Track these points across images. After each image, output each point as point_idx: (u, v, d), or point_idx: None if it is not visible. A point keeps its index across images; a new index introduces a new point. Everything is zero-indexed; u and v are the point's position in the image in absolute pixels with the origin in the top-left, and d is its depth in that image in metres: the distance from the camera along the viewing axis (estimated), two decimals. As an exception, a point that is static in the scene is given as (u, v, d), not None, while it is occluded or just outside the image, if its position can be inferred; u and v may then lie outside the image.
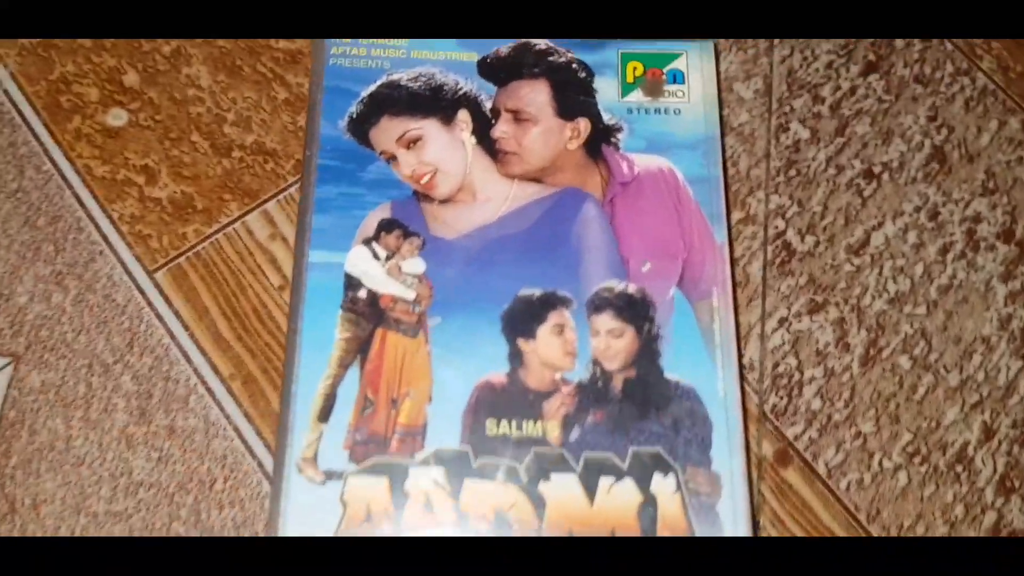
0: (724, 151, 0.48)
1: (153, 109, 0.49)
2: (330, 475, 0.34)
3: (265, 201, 0.48)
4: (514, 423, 0.34)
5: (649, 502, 0.34)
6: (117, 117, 0.49)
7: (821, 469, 0.46)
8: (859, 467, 0.46)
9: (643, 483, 0.34)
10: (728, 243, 0.37)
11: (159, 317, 0.46)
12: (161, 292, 0.47)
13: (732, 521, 0.33)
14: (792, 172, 0.51)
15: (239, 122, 0.49)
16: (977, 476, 0.46)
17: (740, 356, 0.40)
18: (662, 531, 0.33)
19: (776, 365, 0.48)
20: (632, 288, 0.36)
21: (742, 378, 0.36)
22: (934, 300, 0.49)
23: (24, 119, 0.49)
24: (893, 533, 0.45)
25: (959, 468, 0.46)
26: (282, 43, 0.51)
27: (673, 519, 0.34)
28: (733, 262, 0.44)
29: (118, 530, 0.43)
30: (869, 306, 0.48)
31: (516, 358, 0.35)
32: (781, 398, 0.47)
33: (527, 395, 0.35)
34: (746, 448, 0.35)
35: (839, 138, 0.51)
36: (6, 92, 0.50)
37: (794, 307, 0.48)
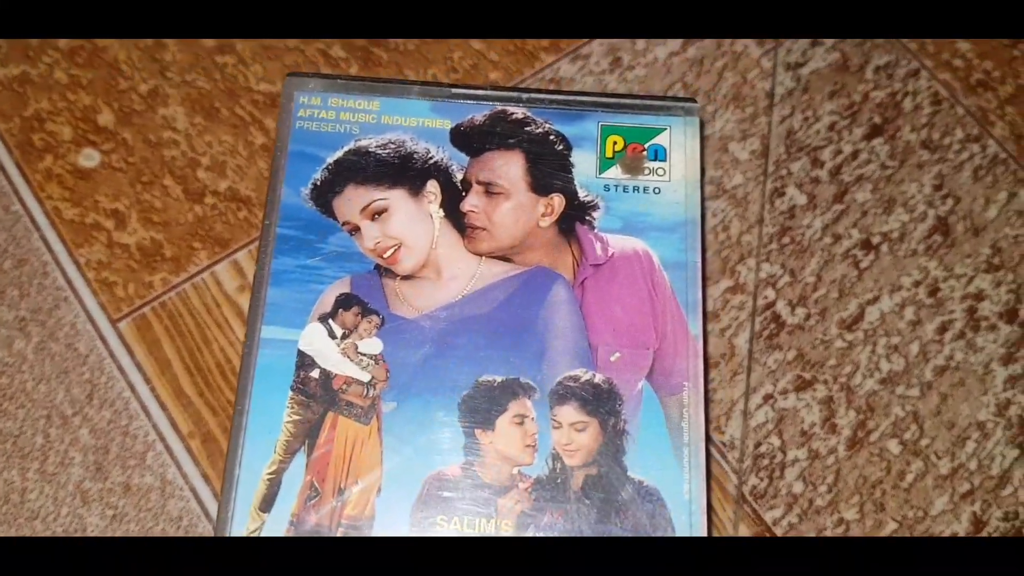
0: (704, 233, 0.46)
1: (126, 150, 0.48)
2: (269, 569, 0.32)
3: (236, 251, 0.47)
4: (466, 520, 0.33)
5: (603, 611, 0.32)
6: (89, 158, 0.48)
7: (799, 558, 0.44)
8: (839, 557, 0.44)
9: (598, 590, 0.32)
10: (703, 336, 0.35)
11: (120, 369, 0.45)
12: (124, 343, 0.46)
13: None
14: (786, 239, 0.49)
15: (214, 167, 0.48)
16: (964, 572, 0.44)
17: (708, 439, 0.38)
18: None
19: (758, 444, 0.46)
20: (599, 378, 0.35)
21: (708, 459, 0.34)
22: (928, 382, 0.47)
23: (-5, 156, 0.48)
24: (872, 630, 0.43)
25: (945, 562, 0.44)
26: (262, 85, 0.50)
27: (626, 631, 0.32)
28: (707, 355, 0.43)
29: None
30: (859, 385, 0.47)
31: (472, 450, 0.34)
32: (761, 479, 0.46)
33: (482, 490, 0.33)
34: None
35: (837, 205, 0.50)
36: (-21, 126, 0.49)
37: (780, 383, 0.47)
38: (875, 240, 0.50)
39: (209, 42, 0.51)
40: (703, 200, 0.39)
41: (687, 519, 0.34)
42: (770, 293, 0.49)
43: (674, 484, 0.34)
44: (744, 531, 0.45)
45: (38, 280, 0.47)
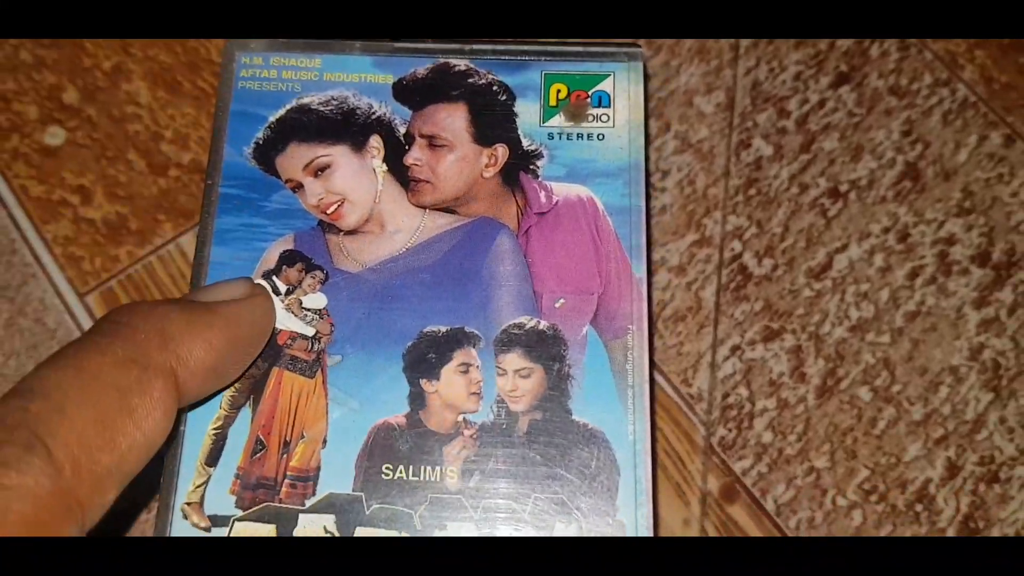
0: (649, 179, 0.46)
1: (91, 127, 0.49)
2: (215, 520, 0.33)
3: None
4: (411, 468, 0.33)
5: (548, 553, 0.32)
6: (54, 136, 0.49)
7: (770, 506, 0.44)
8: (810, 505, 0.44)
9: (544, 531, 0.32)
10: (647, 278, 0.35)
11: (88, 342, 0.45)
12: (92, 316, 0.46)
13: (633, 575, 0.32)
14: (752, 191, 0.49)
15: (176, 140, 0.49)
16: (938, 516, 0.44)
17: (652, 380, 0.38)
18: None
19: (726, 396, 0.46)
20: (543, 325, 0.35)
21: (653, 400, 0.34)
22: (899, 328, 0.47)
23: (-38, 138, 0.49)
24: None
25: (919, 507, 0.44)
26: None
27: (572, 572, 0.32)
28: (651, 297, 0.43)
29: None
30: (828, 334, 0.47)
31: (418, 399, 0.34)
32: (730, 430, 0.46)
33: (427, 438, 0.34)
34: (653, 495, 0.33)
35: (804, 155, 0.49)
36: (-53, 110, 0.50)
37: (748, 334, 0.47)
38: (843, 188, 0.49)
39: (170, 17, 0.51)
40: (647, 144, 0.39)
41: (631, 459, 0.34)
42: (736, 245, 0.48)
43: (619, 425, 0.34)
44: (713, 483, 0.45)
45: (6, 257, 0.47)
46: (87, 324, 0.47)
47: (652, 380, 0.37)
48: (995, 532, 0.44)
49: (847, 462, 0.45)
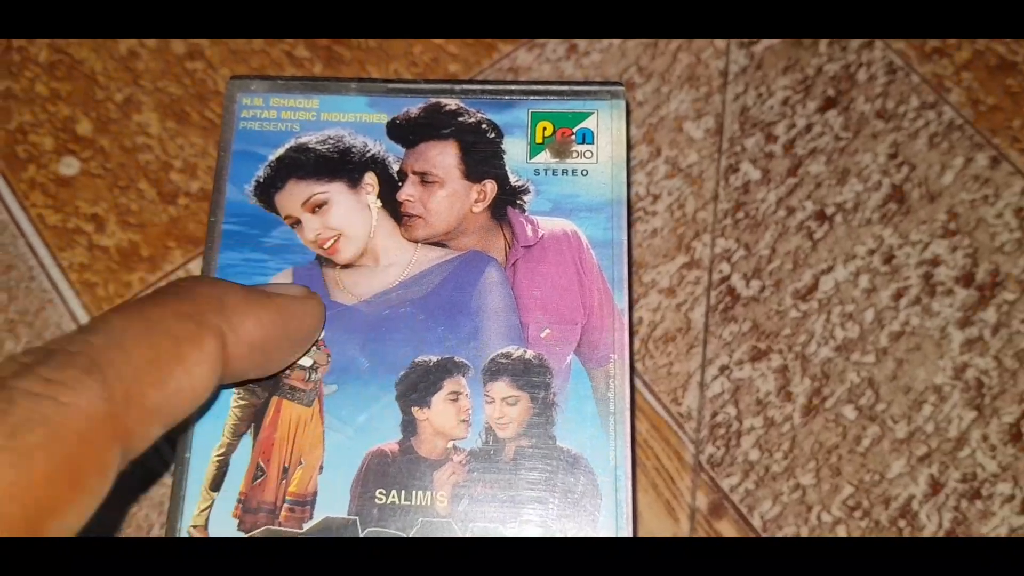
0: (631, 214, 0.48)
1: (104, 157, 0.51)
2: (219, 543, 0.35)
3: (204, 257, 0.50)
4: (403, 493, 0.36)
5: (532, 573, 0.34)
6: (69, 166, 0.51)
7: (756, 522, 0.46)
8: (796, 520, 0.46)
9: (528, 554, 0.34)
10: (628, 310, 0.37)
11: (102, 365, 0.48)
12: (105, 340, 0.48)
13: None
14: (740, 214, 0.51)
15: (186, 169, 0.51)
16: (921, 531, 0.46)
17: (633, 407, 0.40)
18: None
19: (715, 414, 0.48)
20: (530, 354, 0.37)
21: (633, 427, 0.36)
22: (884, 347, 0.48)
23: (-18, 169, 0.52)
24: (826, 591, 0.45)
25: (902, 523, 0.46)
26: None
27: (555, 591, 0.34)
28: (632, 329, 0.45)
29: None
30: (814, 354, 0.48)
31: (409, 426, 0.36)
32: (718, 448, 0.47)
33: (418, 464, 0.36)
34: (633, 518, 0.35)
35: (791, 178, 0.51)
36: (-33, 142, 0.52)
37: (736, 354, 0.49)
38: (829, 211, 0.51)
39: (179, 48, 0.54)
40: (629, 180, 0.41)
41: (612, 483, 0.36)
42: (725, 267, 0.50)
43: (600, 451, 0.36)
44: (701, 498, 0.47)
45: (25, 284, 0.50)
46: (101, 348, 0.49)
47: (633, 407, 0.39)
48: (975, 547, 0.46)
49: (832, 479, 0.47)
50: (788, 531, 0.47)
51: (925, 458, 0.48)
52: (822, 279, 0.51)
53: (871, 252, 0.51)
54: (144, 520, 0.47)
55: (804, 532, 0.46)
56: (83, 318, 0.50)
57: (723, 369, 0.49)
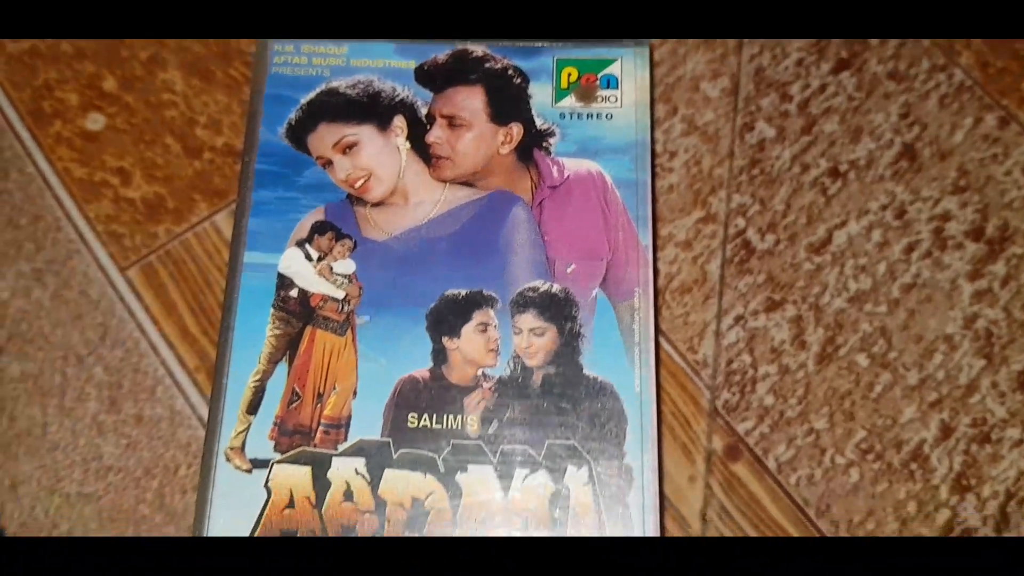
0: (654, 156, 0.50)
1: (129, 113, 0.53)
2: (256, 464, 0.37)
3: (233, 201, 0.52)
4: (435, 417, 0.37)
5: (562, 493, 0.36)
6: (95, 121, 0.53)
7: (771, 464, 0.48)
8: (810, 463, 0.48)
9: (557, 475, 0.36)
10: (652, 245, 0.39)
11: (130, 312, 0.50)
12: (132, 288, 0.50)
13: (640, 512, 0.36)
14: (755, 171, 0.53)
15: (210, 125, 0.53)
16: (932, 474, 0.48)
17: (657, 337, 0.42)
18: (572, 521, 0.36)
19: (730, 362, 0.50)
20: (556, 288, 0.39)
21: (658, 356, 0.38)
22: (896, 299, 0.50)
23: (9, 124, 0.54)
24: (843, 529, 0.47)
25: (913, 466, 0.48)
26: (254, 47, 0.54)
27: (584, 509, 0.36)
28: (656, 266, 0.46)
29: (88, 511, 0.47)
30: (828, 304, 0.50)
31: (440, 355, 0.38)
32: (733, 394, 0.49)
33: (449, 390, 0.38)
34: (658, 442, 0.37)
35: (805, 136, 0.53)
36: (-5, 98, 0.54)
37: (751, 305, 0.50)
38: (842, 168, 0.53)
39: (203, 9, 0.56)
40: (652, 123, 0.43)
41: (638, 409, 0.38)
42: (740, 222, 0.52)
43: (626, 379, 0.38)
44: (717, 443, 0.48)
45: (52, 234, 0.52)
46: (128, 296, 0.51)
47: (657, 338, 0.40)
48: (986, 489, 0.48)
49: (845, 423, 0.49)
50: (802, 472, 0.48)
51: (936, 404, 0.50)
52: (836, 233, 0.53)
53: (883, 207, 0.53)
54: (171, 461, 0.49)
55: (818, 473, 0.48)
56: (109, 267, 0.52)
57: (738, 319, 0.51)
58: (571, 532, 0.37)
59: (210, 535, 0.37)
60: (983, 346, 0.51)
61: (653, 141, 0.45)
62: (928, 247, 0.52)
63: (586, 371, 0.39)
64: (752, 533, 0.47)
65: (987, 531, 0.47)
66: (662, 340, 0.51)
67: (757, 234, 0.53)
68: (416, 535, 0.37)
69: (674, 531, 0.47)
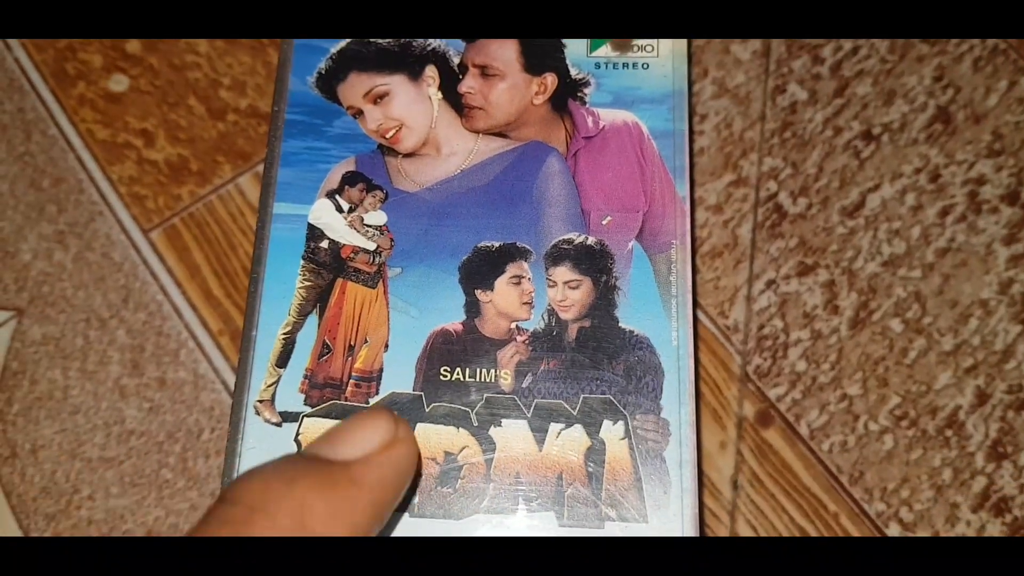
0: (691, 106, 0.49)
1: (153, 75, 0.52)
2: (286, 417, 0.36)
3: (257, 163, 0.51)
4: (468, 370, 0.37)
5: (597, 447, 0.35)
6: (118, 83, 0.52)
7: (803, 430, 0.47)
8: (843, 429, 0.47)
9: (592, 429, 0.36)
10: (690, 197, 0.38)
11: (153, 275, 0.49)
12: (156, 251, 0.50)
13: (678, 467, 0.35)
14: (787, 134, 0.52)
15: (234, 87, 0.52)
16: (968, 441, 0.47)
17: (695, 291, 0.41)
18: (608, 475, 0.35)
19: (761, 327, 0.49)
20: (591, 240, 0.38)
21: (695, 309, 0.37)
22: (930, 263, 0.49)
23: (32, 85, 0.53)
24: (876, 496, 0.46)
25: (949, 433, 0.47)
26: (278, 9, 0.53)
27: (620, 464, 0.35)
28: (694, 218, 0.45)
29: (110, 475, 0.46)
30: (861, 269, 0.49)
31: (473, 308, 0.37)
32: (765, 359, 0.48)
33: (482, 344, 0.37)
34: (696, 397, 0.36)
35: (838, 99, 0.52)
36: (16, 60, 0.53)
37: (783, 269, 0.49)
38: (876, 131, 0.52)
39: (227, -29, 0.55)
40: (690, 72, 0.42)
41: (675, 362, 0.37)
42: (772, 185, 0.51)
43: (663, 332, 0.37)
44: (748, 408, 0.47)
45: (75, 196, 0.51)
46: (151, 258, 0.50)
47: (695, 290, 0.40)
48: (1023, 457, 0.47)
49: (879, 389, 0.48)
50: (835, 439, 0.47)
51: (972, 370, 0.49)
52: (869, 197, 0.51)
53: (917, 171, 0.52)
54: (195, 425, 0.48)
55: (851, 440, 0.47)
56: (132, 229, 0.51)
57: (770, 283, 0.50)
58: (607, 487, 0.36)
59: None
60: (1019, 311, 0.49)
61: (690, 91, 0.44)
62: (963, 211, 0.51)
63: (622, 324, 0.38)
64: (783, 500, 0.47)
65: (1024, 498, 0.46)
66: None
67: (789, 198, 0.52)
68: (449, 491, 0.36)
69: (706, 497, 0.46)
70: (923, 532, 0.46)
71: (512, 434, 0.37)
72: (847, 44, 0.55)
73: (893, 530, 0.46)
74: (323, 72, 0.42)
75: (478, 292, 0.39)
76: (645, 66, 0.42)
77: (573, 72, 0.42)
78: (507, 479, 0.36)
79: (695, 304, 0.41)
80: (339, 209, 0.40)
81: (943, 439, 0.48)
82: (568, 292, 0.39)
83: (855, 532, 0.46)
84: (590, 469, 0.36)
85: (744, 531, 0.46)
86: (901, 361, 0.49)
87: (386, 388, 0.38)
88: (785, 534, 0.46)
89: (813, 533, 0.46)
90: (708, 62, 0.54)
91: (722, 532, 0.46)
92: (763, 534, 0.46)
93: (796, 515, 0.47)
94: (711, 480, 0.47)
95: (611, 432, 0.37)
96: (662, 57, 0.42)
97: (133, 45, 0.55)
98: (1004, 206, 0.51)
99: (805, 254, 0.51)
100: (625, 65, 0.42)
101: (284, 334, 0.38)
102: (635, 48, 0.42)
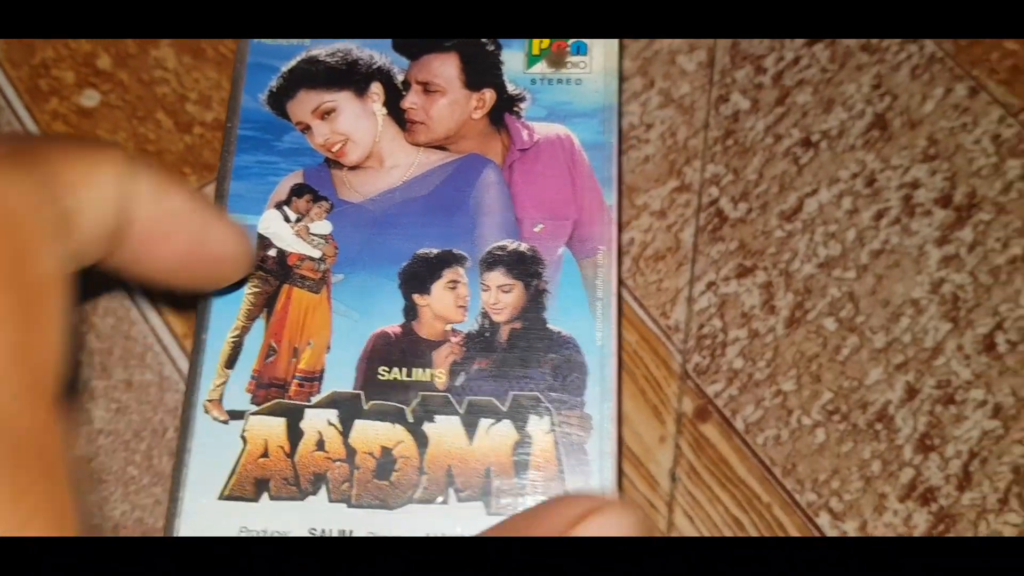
0: (621, 119, 0.51)
1: (123, 90, 0.55)
2: (233, 415, 0.39)
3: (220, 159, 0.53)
4: (405, 370, 0.39)
5: (524, 441, 0.38)
6: (90, 98, 0.55)
7: (739, 425, 0.49)
8: (777, 424, 0.49)
9: (520, 424, 0.38)
10: (617, 206, 0.41)
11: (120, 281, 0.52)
12: (124, 258, 0.52)
13: (598, 459, 0.37)
14: (730, 142, 0.54)
15: (201, 100, 0.55)
16: (896, 434, 0.49)
17: (620, 292, 0.43)
18: (534, 467, 0.37)
19: (701, 327, 0.51)
20: (524, 247, 0.41)
21: (620, 310, 0.40)
22: (864, 264, 0.52)
23: (8, 102, 0.56)
24: (808, 487, 0.48)
25: (879, 426, 0.49)
26: (242, 25, 0.56)
27: (545, 456, 0.38)
28: (621, 226, 0.48)
29: (80, 473, 0.49)
30: (798, 270, 0.52)
31: (411, 311, 0.40)
32: (704, 357, 0.51)
33: (419, 345, 0.39)
34: (618, 393, 0.39)
35: (779, 108, 0.55)
36: (-6, 77, 0.56)
37: (722, 271, 0.52)
38: (815, 138, 0.54)
39: (194, -11, 0.57)
40: (620, 88, 0.44)
41: (599, 361, 0.39)
42: (714, 191, 0.54)
43: (588, 332, 0.40)
44: (687, 403, 0.50)
45: (48, 206, 0.53)
46: (121, 265, 0.53)
47: (620, 294, 0.42)
48: (949, 449, 0.49)
49: (812, 385, 0.50)
50: (769, 433, 0.50)
51: (902, 366, 0.51)
52: (806, 201, 0.54)
53: (854, 176, 0.54)
54: (159, 424, 0.51)
55: (784, 434, 0.50)
56: (104, 238, 0.54)
57: (710, 285, 0.53)
58: (531, 476, 0.38)
59: (188, 483, 0.39)
60: (949, 310, 0.52)
61: (620, 105, 0.47)
62: (897, 214, 0.54)
63: (550, 325, 0.41)
64: (719, 491, 0.49)
65: (950, 489, 0.49)
66: (635, 306, 0.52)
67: (730, 203, 0.54)
68: (384, 483, 0.38)
69: (638, 483, 0.48)
70: (852, 521, 0.49)
71: (445, 429, 0.39)
72: (789, 54, 0.57)
73: (823, 519, 0.48)
74: (274, 90, 0.44)
75: (416, 296, 0.41)
76: (578, 82, 0.44)
77: (510, 88, 0.44)
78: (439, 472, 0.39)
79: (620, 306, 0.43)
80: (287, 219, 0.42)
81: (873, 432, 0.50)
82: (501, 296, 0.41)
83: (787, 521, 0.49)
84: (516, 460, 0.39)
85: (681, 521, 0.49)
86: (834, 358, 0.51)
87: (328, 387, 0.40)
88: (720, 524, 0.49)
89: (747, 523, 0.49)
90: (655, 73, 0.57)
91: (660, 522, 0.49)
92: (699, 524, 0.49)
93: (731, 506, 0.49)
94: (650, 472, 0.49)
95: (537, 427, 0.39)
96: (594, 73, 0.44)
97: (104, 61, 0.57)
98: (937, 209, 0.54)
99: (744, 257, 0.53)
100: (559, 81, 0.44)
101: (232, 337, 0.41)
102: (569, 65, 0.44)
